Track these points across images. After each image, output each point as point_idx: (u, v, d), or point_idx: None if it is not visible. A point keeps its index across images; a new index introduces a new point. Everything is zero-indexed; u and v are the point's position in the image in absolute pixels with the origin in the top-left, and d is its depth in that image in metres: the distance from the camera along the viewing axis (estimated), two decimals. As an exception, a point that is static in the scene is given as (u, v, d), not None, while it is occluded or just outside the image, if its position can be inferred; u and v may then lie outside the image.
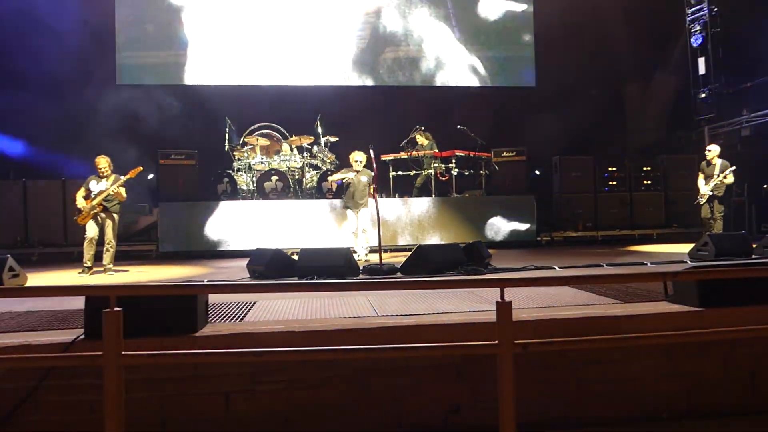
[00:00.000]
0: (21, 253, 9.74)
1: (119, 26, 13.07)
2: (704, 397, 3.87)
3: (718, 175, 9.39)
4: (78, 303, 3.79)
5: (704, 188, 9.55)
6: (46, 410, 3.38)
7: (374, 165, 7.97)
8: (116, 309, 2.62)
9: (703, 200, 9.58)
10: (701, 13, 13.70)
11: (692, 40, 13.92)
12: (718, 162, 9.48)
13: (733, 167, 9.40)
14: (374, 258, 8.10)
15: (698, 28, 13.79)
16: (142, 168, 7.90)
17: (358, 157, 8.73)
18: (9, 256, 6.11)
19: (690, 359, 3.85)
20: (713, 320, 3.79)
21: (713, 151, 9.61)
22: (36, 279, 7.19)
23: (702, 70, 13.71)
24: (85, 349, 3.21)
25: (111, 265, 7.83)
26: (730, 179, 9.42)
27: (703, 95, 13.67)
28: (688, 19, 14.01)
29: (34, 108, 11.56)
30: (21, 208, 10.80)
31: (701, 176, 9.69)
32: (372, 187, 8.28)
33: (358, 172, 8.71)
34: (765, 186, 9.43)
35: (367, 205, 8.77)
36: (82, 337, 3.41)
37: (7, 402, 3.32)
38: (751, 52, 12.11)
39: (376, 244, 7.73)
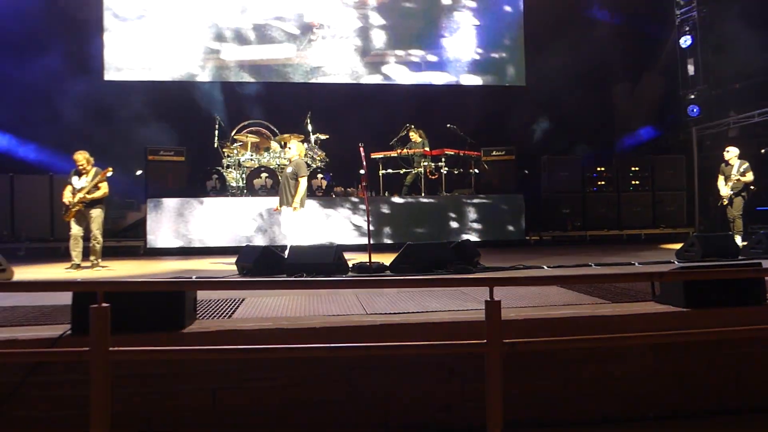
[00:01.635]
0: (8, 248, 9.62)
1: (107, 22, 12.95)
2: (690, 396, 3.90)
3: (735, 174, 9.41)
4: (65, 298, 3.76)
5: (724, 189, 9.57)
6: (32, 406, 3.35)
7: (364, 163, 7.91)
8: (104, 305, 2.60)
9: (725, 201, 9.58)
10: (690, 15, 13.80)
11: (681, 41, 14.03)
12: (736, 163, 9.50)
13: (747, 164, 9.39)
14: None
15: (687, 29, 13.90)
16: (111, 169, 7.79)
17: (290, 145, 7.94)
18: (-5, 250, 6.05)
19: (676, 359, 3.89)
20: (699, 321, 3.82)
21: (732, 152, 9.62)
22: (23, 274, 7.11)
23: (691, 71, 13.83)
24: (72, 345, 3.19)
25: (98, 261, 7.77)
26: (749, 177, 9.40)
27: (692, 96, 13.79)
28: (677, 20, 14.11)
29: (21, 104, 11.45)
30: (8, 203, 10.73)
31: (721, 178, 9.70)
32: (360, 185, 8.13)
33: (289, 161, 7.89)
34: (752, 187, 9.49)
35: (295, 206, 7.47)
36: (69, 332, 3.38)
37: (-8, 398, 3.29)
38: (740, 53, 12.23)
39: None
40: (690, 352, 3.90)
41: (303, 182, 7.58)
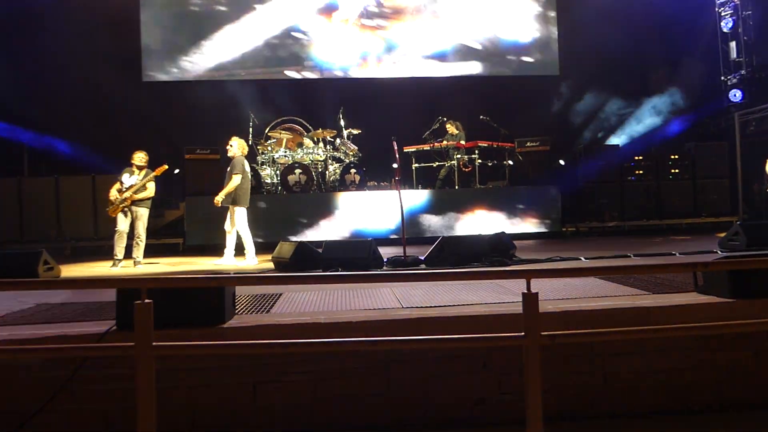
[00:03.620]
0: (55, 247, 9.94)
1: (144, 24, 13.24)
2: (736, 389, 3.80)
3: None
4: (109, 295, 3.88)
5: None
6: (80, 399, 3.47)
7: (397, 156, 7.88)
8: (147, 301, 2.67)
9: None
10: (731, -4, 13.34)
11: (722, 24, 13.56)
12: None
13: None
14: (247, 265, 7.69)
15: (729, 11, 13.43)
16: (167, 166, 8.02)
17: (231, 143, 8.04)
18: (44, 250, 6.27)
19: (721, 351, 3.79)
20: (745, 311, 3.71)
21: None
22: (69, 272, 7.36)
23: (733, 54, 13.36)
24: (118, 340, 3.29)
25: (141, 259, 7.97)
26: None
27: (734, 80, 13.32)
28: (718, 2, 13.64)
29: (64, 106, 11.80)
30: (54, 203, 11.07)
31: None
32: (393, 179, 8.12)
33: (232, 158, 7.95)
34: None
35: (217, 200, 7.72)
36: (114, 328, 3.49)
37: (43, 391, 3.42)
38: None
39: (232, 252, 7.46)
40: (735, 343, 3.79)
41: (235, 179, 7.69)
